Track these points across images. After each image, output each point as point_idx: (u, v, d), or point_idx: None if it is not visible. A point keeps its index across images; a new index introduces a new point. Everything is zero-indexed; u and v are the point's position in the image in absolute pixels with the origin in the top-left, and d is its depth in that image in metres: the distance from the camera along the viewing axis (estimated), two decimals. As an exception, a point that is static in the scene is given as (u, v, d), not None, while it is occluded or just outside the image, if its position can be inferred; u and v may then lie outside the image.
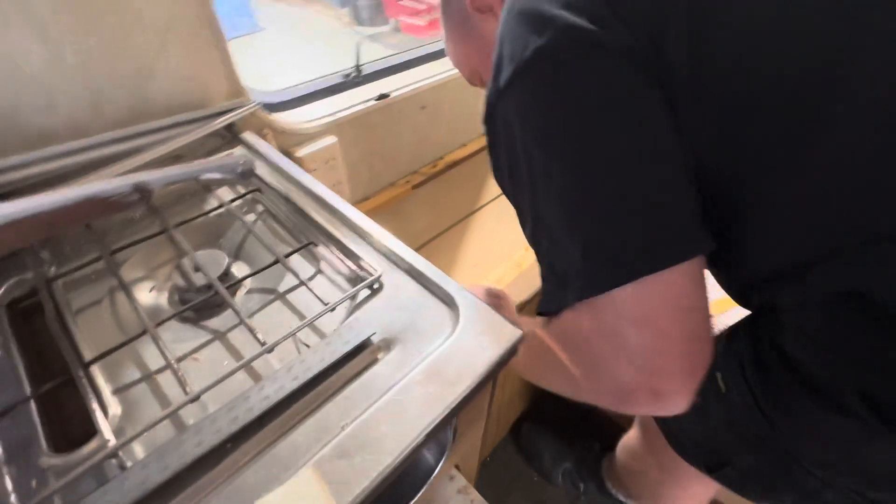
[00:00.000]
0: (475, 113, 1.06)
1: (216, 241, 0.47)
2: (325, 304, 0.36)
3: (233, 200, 0.47)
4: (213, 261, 0.41)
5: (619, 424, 1.03)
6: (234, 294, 0.41)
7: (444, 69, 0.94)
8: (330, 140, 0.77)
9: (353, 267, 0.40)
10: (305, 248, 0.42)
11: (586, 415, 1.11)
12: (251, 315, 0.38)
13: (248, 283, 0.42)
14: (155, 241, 0.44)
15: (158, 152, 0.52)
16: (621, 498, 0.89)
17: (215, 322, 0.39)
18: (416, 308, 0.37)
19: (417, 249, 1.11)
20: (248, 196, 0.49)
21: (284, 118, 0.74)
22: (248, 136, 0.56)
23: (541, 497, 1.09)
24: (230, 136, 0.57)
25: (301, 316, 0.38)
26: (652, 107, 0.30)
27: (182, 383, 0.31)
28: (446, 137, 1.03)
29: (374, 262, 0.40)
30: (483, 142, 1.15)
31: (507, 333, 0.34)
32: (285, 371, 0.31)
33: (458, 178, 1.15)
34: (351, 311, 0.37)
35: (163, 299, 0.42)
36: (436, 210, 1.14)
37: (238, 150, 0.55)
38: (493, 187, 1.35)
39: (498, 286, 1.55)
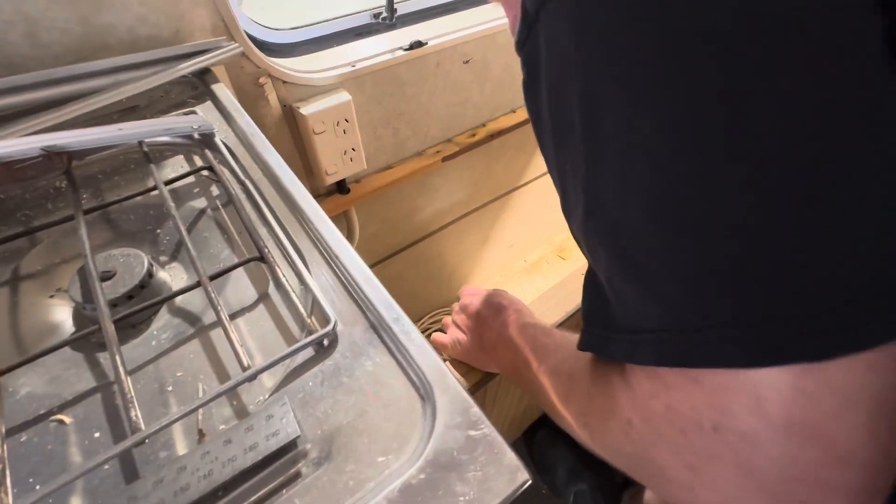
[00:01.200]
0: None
1: (153, 233, 0.36)
2: (245, 368, 0.24)
3: (172, 181, 0.36)
4: (127, 266, 0.31)
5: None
6: (153, 315, 0.31)
7: (497, 15, 0.76)
8: (342, 97, 0.63)
9: (302, 309, 0.28)
10: (248, 264, 0.30)
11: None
12: (152, 360, 0.27)
13: (178, 299, 0.32)
14: (70, 228, 0.33)
15: (105, 101, 0.41)
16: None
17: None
18: (375, 391, 0.24)
19: (444, 227, 0.98)
20: (205, 173, 0.38)
21: (289, 65, 0.60)
22: (220, 90, 0.43)
23: (547, 512, 1.00)
24: (204, 86, 0.45)
25: (219, 370, 0.27)
26: (865, 26, 0.16)
27: None
28: (491, 100, 0.86)
29: (331, 303, 0.27)
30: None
31: (509, 474, 0.21)
32: (151, 486, 0.20)
33: (501, 151, 0.98)
34: (284, 379, 0.25)
35: (67, 312, 0.32)
36: (469, 186, 0.99)
37: (203, 108, 0.43)
38: (543, 163, 1.17)
39: (536, 273, 1.40)
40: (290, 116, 0.63)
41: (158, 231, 0.36)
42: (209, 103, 0.43)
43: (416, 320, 1.28)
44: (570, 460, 1.00)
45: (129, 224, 0.36)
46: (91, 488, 0.22)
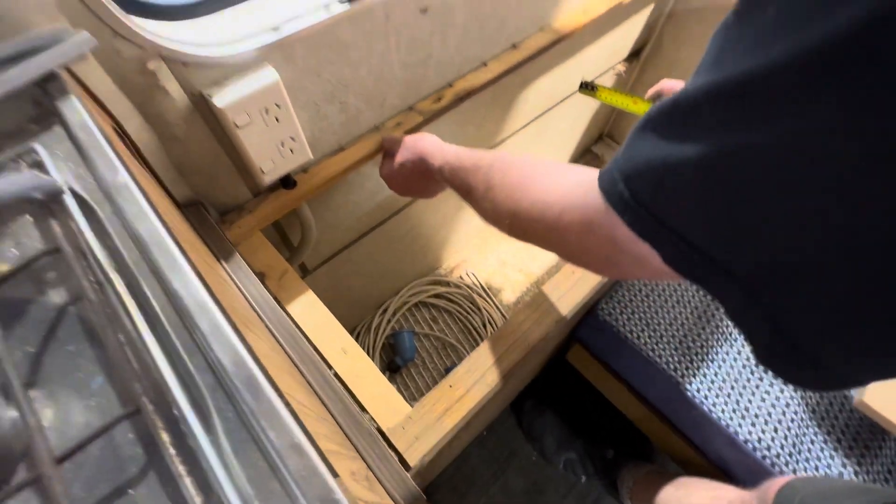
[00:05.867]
0: (507, 13, 0.73)
1: (-5, 346, 0.25)
2: None
3: (4, 278, 0.25)
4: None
5: (643, 435, 0.90)
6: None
7: (457, -55, 0.59)
8: (267, 76, 0.49)
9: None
10: (119, 424, 0.21)
11: (599, 408, 0.97)
12: None
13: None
14: None
15: None
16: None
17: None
18: None
19: (413, 201, 0.87)
20: (53, 262, 0.26)
21: (188, 36, 0.46)
22: (70, 108, 0.30)
23: (537, 477, 1.02)
24: (48, 99, 0.32)
25: None
26: None
27: None
28: (458, 55, 0.72)
29: None
30: (515, 59, 0.81)
31: None
32: None
33: (472, 111, 0.85)
34: None
35: None
36: (439, 157, 0.87)
37: (48, 140, 0.30)
38: (520, 115, 1.03)
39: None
40: (204, 106, 0.49)
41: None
42: (59, 129, 0.31)
43: (393, 295, 1.21)
44: (559, 429, 0.99)
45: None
46: None
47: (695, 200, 0.20)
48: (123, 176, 0.27)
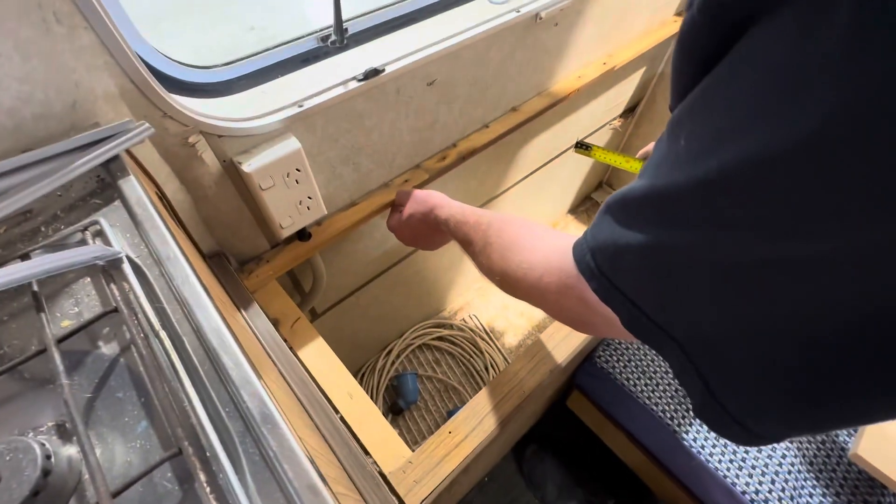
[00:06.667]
0: (507, 82, 0.80)
1: (57, 386, 0.30)
2: None
3: (67, 336, 0.29)
4: (14, 467, 0.25)
5: (644, 484, 0.90)
6: (54, 522, 0.25)
7: (459, 28, 0.67)
8: (290, 145, 0.55)
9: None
10: (165, 465, 0.25)
11: (600, 455, 0.97)
12: None
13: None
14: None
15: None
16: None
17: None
18: None
19: (413, 252, 0.91)
20: (107, 318, 0.31)
21: (224, 112, 0.52)
22: (129, 187, 0.36)
23: (540, 527, 1.00)
24: (110, 177, 0.37)
25: None
26: None
27: None
28: (461, 119, 0.79)
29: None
30: (515, 120, 0.88)
31: None
32: None
33: (475, 168, 0.92)
34: None
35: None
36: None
37: (110, 212, 0.35)
38: (521, 168, 1.10)
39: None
40: (233, 171, 0.55)
41: (65, 382, 0.30)
42: (118, 203, 0.36)
43: (397, 337, 1.24)
44: (560, 477, 0.99)
45: (20, 383, 0.30)
46: None
47: (640, 275, 0.24)
48: (174, 249, 0.32)
